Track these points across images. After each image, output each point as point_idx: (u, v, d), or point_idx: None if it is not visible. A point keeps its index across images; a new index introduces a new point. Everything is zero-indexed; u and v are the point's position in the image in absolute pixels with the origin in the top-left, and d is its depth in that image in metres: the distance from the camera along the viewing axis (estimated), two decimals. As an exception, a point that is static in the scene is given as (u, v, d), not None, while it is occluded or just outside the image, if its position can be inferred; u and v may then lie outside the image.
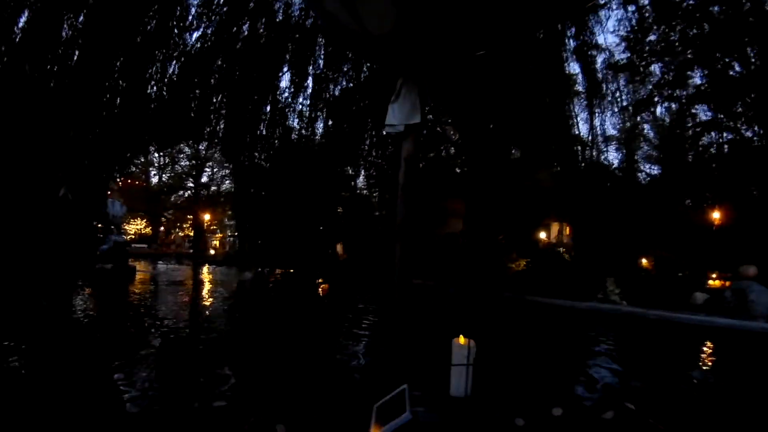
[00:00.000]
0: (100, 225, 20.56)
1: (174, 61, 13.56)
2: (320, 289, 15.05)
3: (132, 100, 11.89)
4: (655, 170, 21.05)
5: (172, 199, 39.30)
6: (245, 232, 29.88)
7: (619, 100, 16.84)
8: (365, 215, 22.41)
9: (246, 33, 14.78)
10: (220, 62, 14.80)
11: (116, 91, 11.78)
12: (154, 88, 13.35)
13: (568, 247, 17.50)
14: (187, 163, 37.80)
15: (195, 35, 13.88)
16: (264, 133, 17.46)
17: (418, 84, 3.85)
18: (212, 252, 32.92)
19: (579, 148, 16.56)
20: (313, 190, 18.67)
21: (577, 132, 16.82)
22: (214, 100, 15.50)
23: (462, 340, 3.61)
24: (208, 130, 16.69)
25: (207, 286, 15.80)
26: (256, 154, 18.26)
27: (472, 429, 3.35)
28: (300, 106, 17.89)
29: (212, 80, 14.89)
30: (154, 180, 39.73)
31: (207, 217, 36.23)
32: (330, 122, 18.52)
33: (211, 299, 12.16)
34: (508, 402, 3.91)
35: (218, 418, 3.64)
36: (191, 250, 32.81)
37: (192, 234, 36.98)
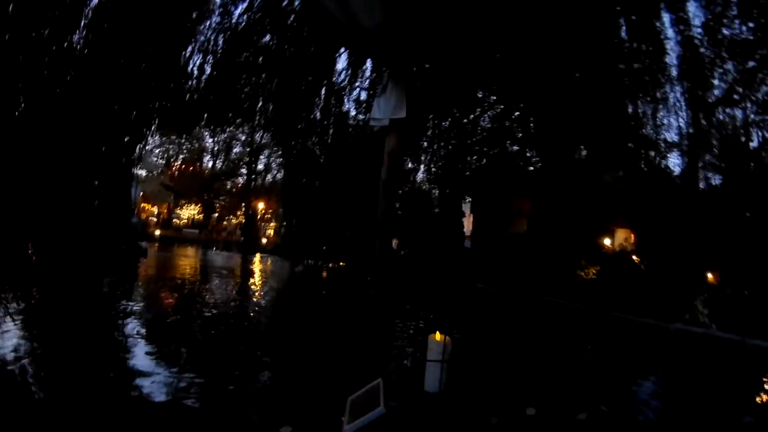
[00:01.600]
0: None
1: (218, 35, 14.00)
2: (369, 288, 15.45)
3: (165, 79, 12.97)
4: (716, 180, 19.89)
5: (227, 186, 41.90)
6: (295, 223, 31.49)
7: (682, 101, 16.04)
8: (423, 211, 22.92)
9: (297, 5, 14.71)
10: (269, 38, 15.10)
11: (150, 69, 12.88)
12: (195, 64, 13.85)
13: (636, 256, 16.83)
14: (242, 149, 40.27)
15: (240, 7, 14.15)
16: (318, 117, 17.46)
17: (404, 79, 4.17)
18: (264, 241, 35.02)
19: (645, 151, 15.92)
20: (368, 182, 19.09)
21: (645, 133, 16.18)
22: (263, 81, 15.69)
23: (438, 336, 3.82)
24: (257, 112, 16.93)
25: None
26: (310, 140, 18.48)
27: (443, 424, 3.58)
28: (358, 90, 17.82)
29: (260, 58, 15.21)
30: (209, 165, 42.49)
31: (261, 205, 38.50)
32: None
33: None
34: (481, 400, 4.14)
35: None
36: (242, 238, 34.96)
37: (244, 222, 39.53)
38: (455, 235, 21.43)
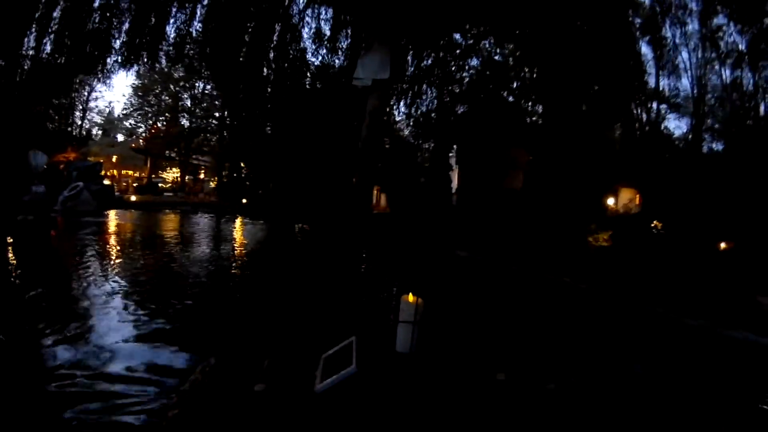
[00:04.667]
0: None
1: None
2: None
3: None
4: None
5: (195, 143, 41.56)
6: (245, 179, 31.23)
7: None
8: (407, 165, 22.37)
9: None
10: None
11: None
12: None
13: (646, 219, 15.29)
14: (210, 102, 39.88)
15: None
16: (272, 56, 16.09)
17: (388, 40, 4.27)
18: (244, 201, 34.77)
19: (650, 105, 15.85)
20: (337, 131, 18.14)
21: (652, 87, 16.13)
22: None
23: (411, 297, 4.02)
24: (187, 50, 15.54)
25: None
26: (262, 83, 17.17)
27: (411, 384, 3.76)
28: (316, 22, 16.25)
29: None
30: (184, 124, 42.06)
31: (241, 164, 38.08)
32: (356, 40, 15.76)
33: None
34: (451, 361, 4.31)
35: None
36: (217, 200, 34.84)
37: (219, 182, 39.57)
38: (440, 192, 20.65)
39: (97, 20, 13.88)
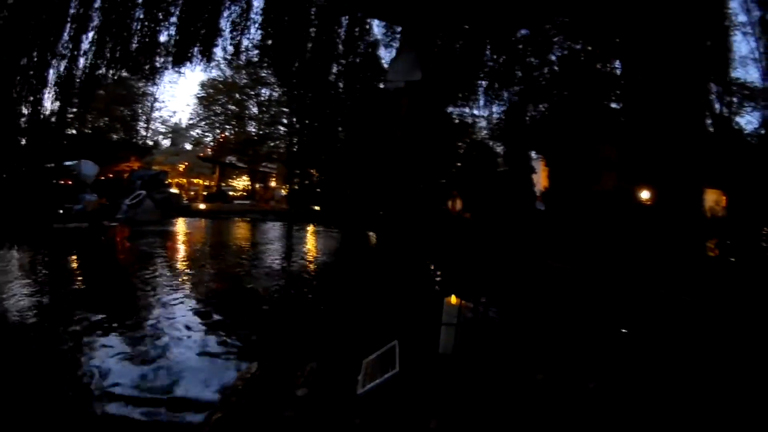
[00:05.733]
0: (69, 183, 24.39)
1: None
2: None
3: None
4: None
5: (264, 150, 41.99)
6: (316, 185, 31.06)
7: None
8: (486, 168, 21.61)
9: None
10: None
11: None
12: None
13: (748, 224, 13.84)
14: (278, 109, 40.32)
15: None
16: (341, 50, 15.24)
17: (420, 41, 3.92)
18: (316, 208, 34.75)
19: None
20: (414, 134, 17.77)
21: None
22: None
23: (453, 299, 4.10)
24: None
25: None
26: (330, 80, 16.36)
27: (453, 384, 3.80)
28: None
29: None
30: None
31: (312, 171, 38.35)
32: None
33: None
34: (491, 362, 4.30)
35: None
36: (288, 207, 34.90)
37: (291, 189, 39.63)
38: (523, 196, 19.77)
39: (140, 15, 13.36)
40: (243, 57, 14.95)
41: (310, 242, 19.51)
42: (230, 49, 14.46)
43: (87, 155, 26.92)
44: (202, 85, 42.70)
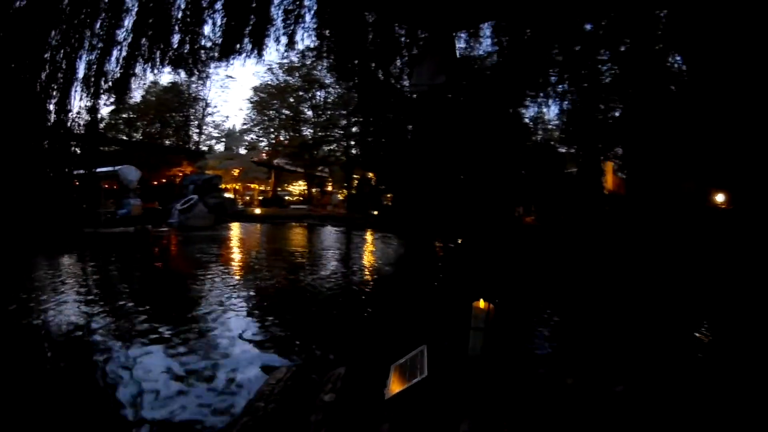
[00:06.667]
0: (116, 187, 25.17)
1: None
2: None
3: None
4: None
5: (319, 154, 42.17)
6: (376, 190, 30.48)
7: None
8: (552, 171, 20.77)
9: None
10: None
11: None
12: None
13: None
14: (334, 112, 40.51)
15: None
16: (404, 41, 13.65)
17: (445, 45, 3.51)
18: (375, 213, 34.51)
19: None
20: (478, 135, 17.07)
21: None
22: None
23: (482, 303, 4.12)
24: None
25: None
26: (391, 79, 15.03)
27: (481, 387, 3.83)
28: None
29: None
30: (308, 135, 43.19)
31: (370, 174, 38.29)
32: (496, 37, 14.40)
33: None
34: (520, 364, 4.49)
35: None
36: (345, 212, 34.79)
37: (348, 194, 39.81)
38: (592, 201, 18.91)
39: (181, 3, 12.74)
40: (298, 49, 14.04)
41: (369, 249, 19.08)
42: (284, 39, 13.72)
43: (137, 161, 27.75)
44: (255, 90, 43.51)
